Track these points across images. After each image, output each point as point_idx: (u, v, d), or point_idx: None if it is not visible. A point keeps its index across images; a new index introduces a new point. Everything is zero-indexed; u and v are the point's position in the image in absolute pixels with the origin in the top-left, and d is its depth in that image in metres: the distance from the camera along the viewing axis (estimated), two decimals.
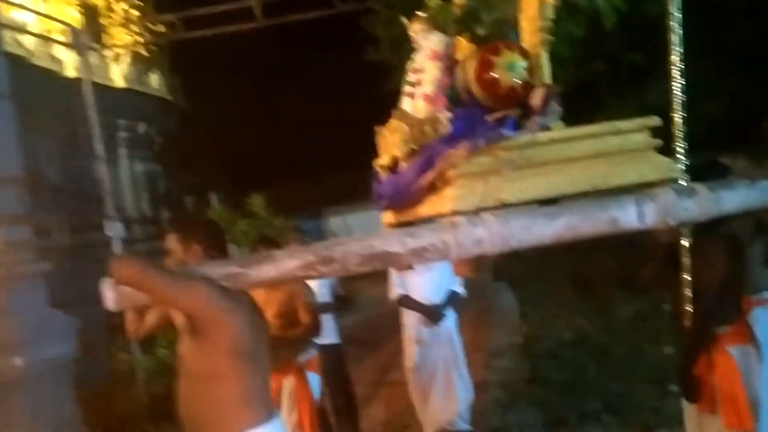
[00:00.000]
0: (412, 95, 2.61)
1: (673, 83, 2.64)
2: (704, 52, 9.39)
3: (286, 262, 2.04)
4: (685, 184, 2.38)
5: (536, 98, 2.31)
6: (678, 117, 2.59)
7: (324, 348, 4.94)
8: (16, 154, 4.97)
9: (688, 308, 3.12)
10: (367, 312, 9.76)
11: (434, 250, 2.08)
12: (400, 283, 4.76)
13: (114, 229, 5.21)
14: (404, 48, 2.89)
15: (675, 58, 2.62)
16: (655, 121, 2.35)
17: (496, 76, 2.33)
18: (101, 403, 5.48)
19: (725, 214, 2.36)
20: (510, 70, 2.33)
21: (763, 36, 8.96)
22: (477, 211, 2.13)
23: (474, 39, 2.55)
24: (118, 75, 10.81)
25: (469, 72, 2.38)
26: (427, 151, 2.34)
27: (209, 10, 5.99)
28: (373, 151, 2.92)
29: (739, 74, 9.75)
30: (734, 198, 2.33)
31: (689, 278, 3.04)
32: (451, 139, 2.32)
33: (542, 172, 2.25)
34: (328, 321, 5.02)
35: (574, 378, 5.82)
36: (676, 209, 2.22)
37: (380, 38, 8.20)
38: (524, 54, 2.38)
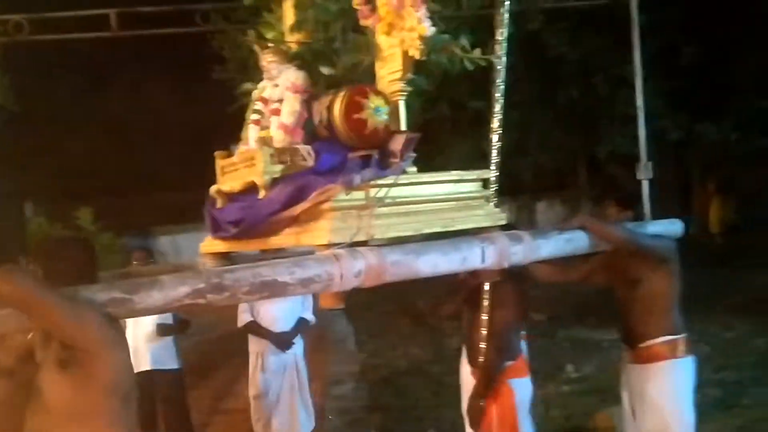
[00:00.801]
0: (260, 123, 2.66)
1: (492, 136, 2.87)
2: (541, 106, 10.29)
3: (175, 289, 1.94)
4: (514, 231, 2.68)
5: (398, 143, 2.51)
6: (494, 168, 2.83)
7: (163, 373, 4.77)
8: None
9: (482, 345, 3.41)
10: (201, 337, 9.46)
11: (319, 281, 2.13)
12: (249, 309, 4.68)
13: None
14: (251, 70, 2.92)
15: (497, 116, 2.86)
16: (488, 173, 2.71)
17: (364, 117, 2.48)
18: None
19: (540, 259, 2.75)
20: (376, 114, 2.51)
21: (590, 95, 9.95)
22: (352, 245, 2.24)
23: (321, 78, 2.67)
24: None
25: (335, 110, 2.50)
26: (295, 182, 2.41)
27: (60, 14, 5.62)
28: (208, 172, 2.89)
29: (569, 128, 10.76)
30: (548, 246, 2.75)
31: (484, 317, 3.36)
32: (321, 173, 2.42)
33: (403, 212, 2.46)
34: (168, 344, 4.85)
35: (411, 405, 6.03)
36: (509, 253, 2.55)
37: (228, 59, 8.12)
38: (386, 100, 2.56)
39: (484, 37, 2.79)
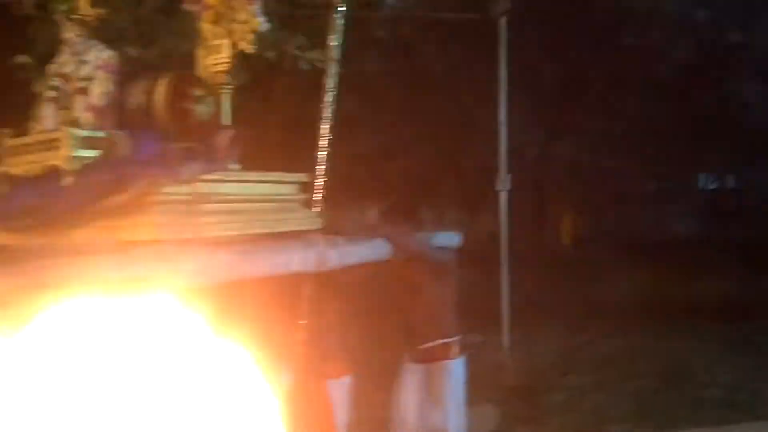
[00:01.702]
0: (58, 102, 2.41)
1: (320, 141, 2.84)
2: (410, 113, 10.44)
3: None
4: (331, 237, 2.70)
5: (223, 139, 2.40)
6: (321, 172, 2.81)
7: None
8: None
9: (298, 348, 3.40)
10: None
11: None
12: None
13: None
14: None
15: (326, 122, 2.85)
16: (304, 178, 2.69)
17: (190, 107, 2.34)
18: None
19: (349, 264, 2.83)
20: (202, 105, 2.38)
21: (456, 106, 10.22)
22: (180, 242, 2.09)
23: (128, 59, 2.50)
24: None
25: (157, 96, 2.33)
26: (112, 170, 2.18)
27: None
28: None
29: (435, 136, 10.98)
30: (357, 251, 2.89)
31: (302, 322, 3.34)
32: (140, 162, 2.23)
33: (227, 210, 2.37)
34: None
35: None
36: (327, 257, 2.57)
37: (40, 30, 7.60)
38: (212, 91, 2.44)
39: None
